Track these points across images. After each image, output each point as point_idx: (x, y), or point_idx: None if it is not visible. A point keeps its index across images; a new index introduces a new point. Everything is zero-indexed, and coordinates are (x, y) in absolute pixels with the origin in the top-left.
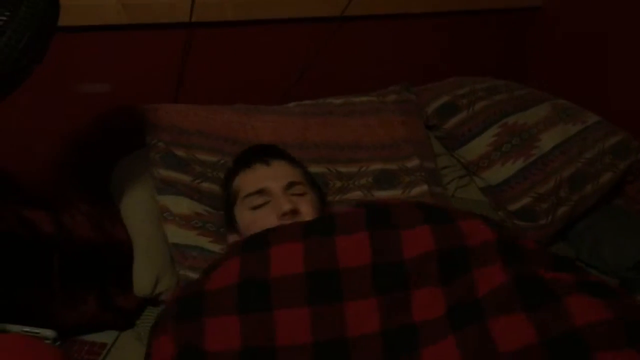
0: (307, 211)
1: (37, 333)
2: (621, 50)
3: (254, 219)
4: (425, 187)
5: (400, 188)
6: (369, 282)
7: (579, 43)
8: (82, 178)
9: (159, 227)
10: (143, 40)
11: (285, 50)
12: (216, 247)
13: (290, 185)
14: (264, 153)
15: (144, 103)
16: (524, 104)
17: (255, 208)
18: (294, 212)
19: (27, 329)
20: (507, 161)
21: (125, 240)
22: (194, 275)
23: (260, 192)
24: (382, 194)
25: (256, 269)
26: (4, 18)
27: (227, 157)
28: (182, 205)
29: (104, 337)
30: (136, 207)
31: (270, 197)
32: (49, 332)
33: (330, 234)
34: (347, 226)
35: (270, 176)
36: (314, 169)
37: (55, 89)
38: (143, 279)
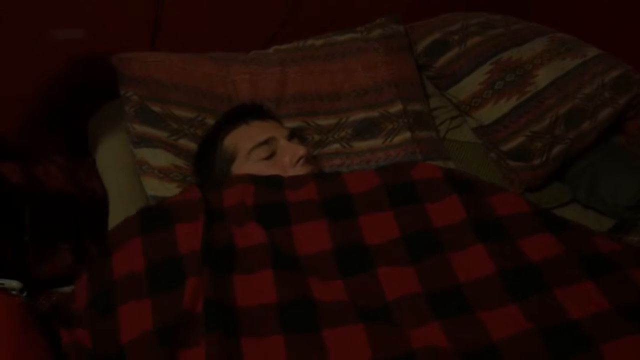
0: (310, 156)
1: (1, 284)
2: None
3: (266, 170)
4: (407, 135)
5: (382, 137)
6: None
7: None
8: (57, 129)
9: (135, 178)
10: None
11: None
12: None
13: (292, 135)
14: (258, 110)
15: (119, 49)
16: (519, 38)
17: (266, 159)
18: (308, 158)
19: None
20: (500, 99)
21: (101, 192)
22: None
23: (267, 142)
24: (362, 145)
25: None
26: None
27: (204, 113)
28: (160, 157)
29: None
30: (112, 158)
31: (277, 147)
32: (14, 284)
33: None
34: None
35: (271, 128)
36: (292, 123)
37: (26, 36)
38: None
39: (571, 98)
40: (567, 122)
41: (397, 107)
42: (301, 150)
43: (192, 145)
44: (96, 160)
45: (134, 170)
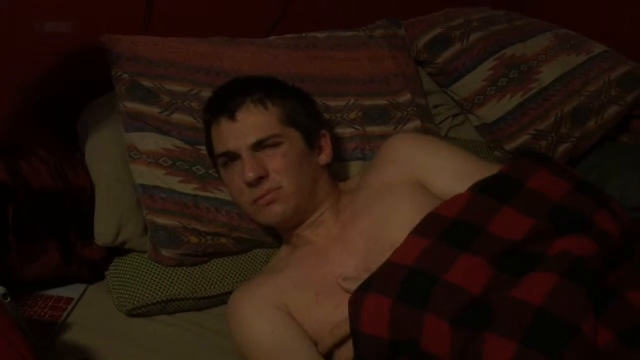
0: (278, 169)
1: None
2: None
3: (228, 182)
4: (418, 123)
5: (393, 124)
6: None
7: None
8: (44, 124)
9: (124, 171)
10: None
11: None
12: (187, 188)
13: (259, 143)
14: (231, 99)
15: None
16: (523, 34)
17: (227, 169)
18: (261, 179)
19: None
20: (504, 97)
21: (88, 188)
22: (161, 221)
23: (226, 154)
24: (374, 129)
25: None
26: None
27: (200, 87)
28: (149, 141)
29: (72, 291)
30: (100, 151)
31: (237, 158)
32: None
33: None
34: None
35: (234, 134)
36: None
37: (12, 28)
38: (104, 226)
39: (577, 95)
40: (573, 120)
41: (405, 97)
42: (249, 175)
43: (188, 120)
44: (85, 154)
45: (121, 163)
